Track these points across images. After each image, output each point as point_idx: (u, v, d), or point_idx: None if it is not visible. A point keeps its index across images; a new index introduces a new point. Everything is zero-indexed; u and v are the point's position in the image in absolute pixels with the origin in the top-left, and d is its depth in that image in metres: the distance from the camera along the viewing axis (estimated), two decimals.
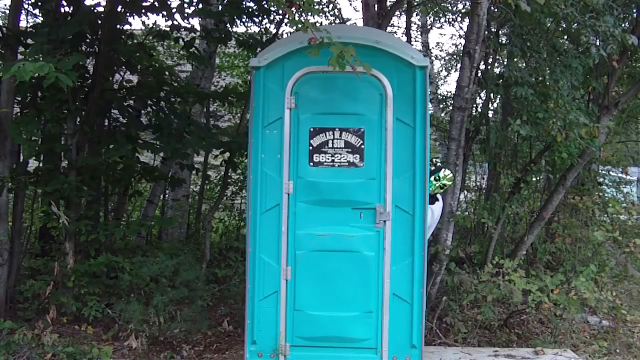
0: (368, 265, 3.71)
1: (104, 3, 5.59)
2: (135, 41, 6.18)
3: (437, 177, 4.34)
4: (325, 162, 3.74)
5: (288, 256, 3.74)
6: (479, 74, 5.53)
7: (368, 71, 3.27)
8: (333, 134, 3.75)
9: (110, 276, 5.53)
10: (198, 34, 6.21)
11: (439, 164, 6.05)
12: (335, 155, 3.74)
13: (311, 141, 3.75)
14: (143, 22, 6.53)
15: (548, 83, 5.15)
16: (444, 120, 9.02)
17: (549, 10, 4.84)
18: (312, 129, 3.75)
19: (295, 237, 3.74)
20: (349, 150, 3.74)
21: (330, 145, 3.75)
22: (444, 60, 13.63)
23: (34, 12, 6.09)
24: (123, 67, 6.08)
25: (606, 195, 7.39)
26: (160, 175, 6.64)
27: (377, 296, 3.70)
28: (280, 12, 7.17)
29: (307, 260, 3.74)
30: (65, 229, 5.05)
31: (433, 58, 12.93)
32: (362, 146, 3.74)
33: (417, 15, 11.75)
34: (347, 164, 3.74)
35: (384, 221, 3.70)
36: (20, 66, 3.82)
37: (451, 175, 4.43)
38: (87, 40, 5.55)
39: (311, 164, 3.75)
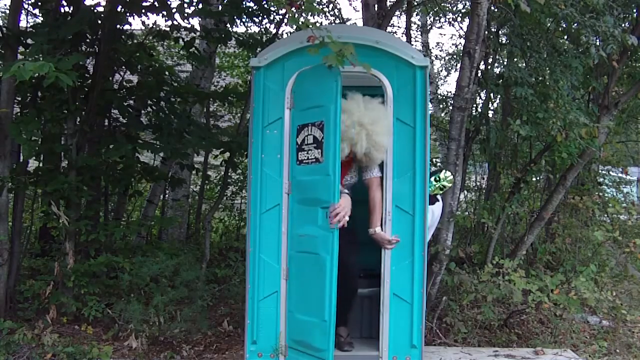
0: (325, 269, 3.50)
1: (104, 3, 5.59)
2: (135, 41, 6.18)
3: (438, 178, 4.33)
4: (305, 159, 3.70)
5: (288, 256, 3.74)
6: (479, 74, 5.53)
7: (367, 70, 3.26)
8: (309, 130, 3.66)
9: (110, 276, 5.53)
10: (198, 34, 6.21)
11: (439, 164, 6.05)
12: (309, 152, 3.67)
13: (297, 139, 3.70)
14: (143, 22, 6.53)
15: (548, 83, 5.15)
16: (444, 120, 9.02)
17: (549, 10, 4.84)
18: (298, 126, 3.70)
19: (292, 238, 3.71)
20: (315, 145, 3.64)
21: (306, 141, 3.68)
22: (444, 60, 13.64)
23: (34, 12, 6.09)
24: (123, 67, 6.08)
25: (606, 195, 7.39)
26: (160, 175, 6.64)
27: (330, 303, 3.49)
28: (281, 12, 7.18)
29: (295, 261, 3.68)
30: (65, 229, 5.05)
31: (433, 58, 12.93)
32: (323, 140, 3.66)
33: (417, 15, 11.75)
34: (314, 160, 3.62)
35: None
36: (20, 66, 3.81)
37: (451, 177, 4.42)
38: (87, 40, 5.55)
39: (297, 162, 3.69)
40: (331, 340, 3.39)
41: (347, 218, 3.42)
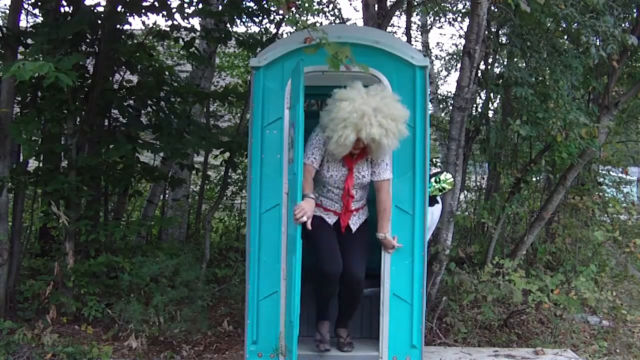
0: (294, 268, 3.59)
1: (104, 3, 5.59)
2: (135, 41, 6.18)
3: (438, 180, 4.32)
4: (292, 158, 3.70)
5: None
6: (479, 74, 5.53)
7: (365, 72, 3.26)
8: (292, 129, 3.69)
9: (110, 276, 5.53)
10: (198, 34, 6.21)
11: (439, 164, 6.04)
12: (291, 151, 3.68)
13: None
14: (143, 22, 6.54)
15: (548, 83, 5.15)
16: (444, 120, 9.02)
17: (549, 10, 4.84)
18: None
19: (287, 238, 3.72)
20: (290, 144, 3.66)
21: (289, 140, 3.67)
22: (444, 60, 13.64)
23: (34, 12, 6.10)
24: (123, 67, 6.08)
25: (606, 195, 7.39)
26: (160, 175, 6.64)
27: (289, 303, 3.59)
28: (281, 12, 7.17)
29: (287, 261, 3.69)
30: (65, 229, 5.05)
31: (433, 58, 12.93)
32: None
33: (417, 15, 11.75)
34: (290, 160, 3.65)
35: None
36: (20, 66, 3.82)
37: (452, 180, 4.41)
38: (87, 40, 5.55)
39: (289, 161, 3.69)
40: (294, 343, 3.41)
41: (305, 219, 3.36)
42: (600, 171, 7.49)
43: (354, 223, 3.74)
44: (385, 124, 3.35)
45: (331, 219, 3.67)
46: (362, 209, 3.80)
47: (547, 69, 5.28)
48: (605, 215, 6.42)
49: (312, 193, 3.52)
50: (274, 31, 7.68)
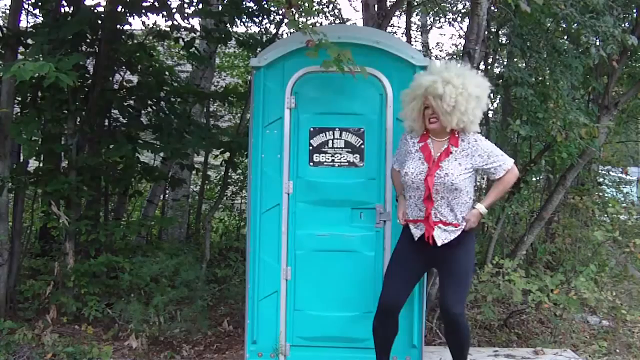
0: (368, 265, 3.71)
1: (104, 3, 5.60)
2: (135, 41, 6.18)
3: None
4: (326, 162, 3.74)
5: (288, 256, 3.75)
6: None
7: (364, 74, 3.28)
8: (333, 134, 3.75)
9: (110, 276, 5.53)
10: (198, 34, 6.21)
11: None
12: (335, 155, 3.74)
13: (311, 141, 3.75)
14: (143, 22, 6.54)
15: (548, 83, 5.14)
16: None
17: (549, 11, 4.84)
18: (312, 129, 3.75)
19: (301, 237, 3.74)
20: (349, 150, 3.74)
21: (330, 145, 3.75)
22: (444, 60, 13.61)
23: (34, 12, 6.09)
24: (123, 67, 6.08)
25: (606, 195, 7.40)
26: (160, 175, 6.64)
27: (375, 296, 3.66)
28: (280, 12, 7.18)
29: (308, 260, 3.75)
30: (65, 229, 5.05)
31: (433, 58, 12.92)
32: (362, 146, 3.74)
33: (417, 15, 11.76)
34: (347, 163, 3.74)
35: (384, 221, 3.71)
36: (20, 66, 3.82)
37: None
38: (87, 40, 5.55)
39: (311, 163, 3.75)
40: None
41: (403, 217, 3.35)
42: (600, 171, 7.49)
43: (440, 237, 3.15)
44: (447, 76, 3.07)
45: (420, 230, 3.23)
46: (452, 225, 3.16)
47: (547, 69, 5.27)
48: (605, 215, 6.41)
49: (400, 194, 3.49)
50: (274, 31, 7.69)
